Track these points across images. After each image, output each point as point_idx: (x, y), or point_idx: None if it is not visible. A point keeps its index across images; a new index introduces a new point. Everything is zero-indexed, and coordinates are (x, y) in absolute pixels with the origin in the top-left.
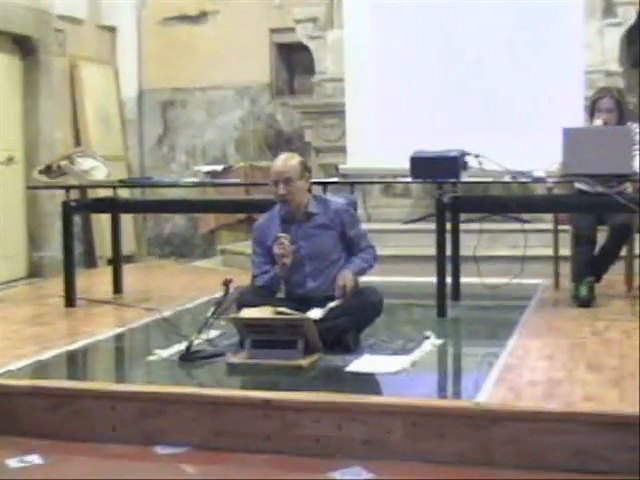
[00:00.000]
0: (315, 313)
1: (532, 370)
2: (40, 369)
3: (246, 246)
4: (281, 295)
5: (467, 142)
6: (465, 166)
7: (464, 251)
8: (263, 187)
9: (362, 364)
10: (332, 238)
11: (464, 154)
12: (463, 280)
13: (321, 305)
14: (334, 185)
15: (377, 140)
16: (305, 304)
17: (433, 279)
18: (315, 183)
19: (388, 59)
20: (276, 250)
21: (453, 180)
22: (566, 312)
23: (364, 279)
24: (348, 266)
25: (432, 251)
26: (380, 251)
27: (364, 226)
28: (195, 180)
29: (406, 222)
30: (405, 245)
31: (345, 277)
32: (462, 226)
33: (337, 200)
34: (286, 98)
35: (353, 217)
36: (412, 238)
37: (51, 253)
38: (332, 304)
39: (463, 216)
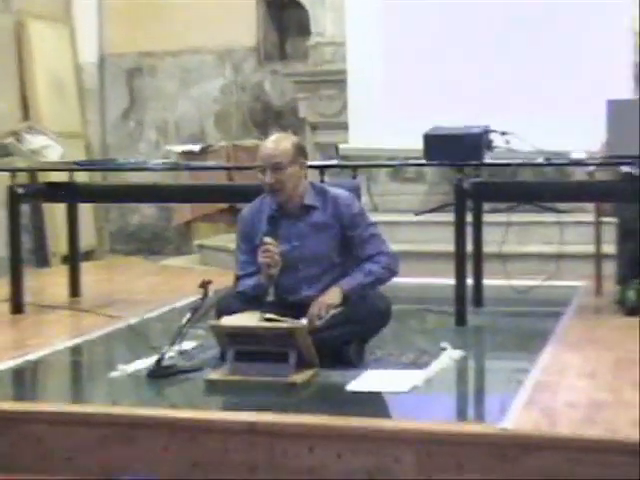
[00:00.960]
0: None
1: (569, 390)
2: None
3: (228, 241)
4: (270, 298)
5: (492, 117)
6: (490, 145)
7: (488, 247)
8: (249, 171)
9: (366, 381)
10: (332, 238)
11: (488, 131)
12: (487, 282)
13: None
14: (333, 169)
15: (385, 115)
16: (298, 311)
17: (451, 280)
18: (310, 167)
19: (398, 18)
20: (260, 259)
21: (475, 162)
22: (610, 321)
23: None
24: (341, 282)
25: (450, 247)
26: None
27: (372, 220)
28: (167, 162)
29: (419, 213)
30: (418, 240)
31: (321, 303)
32: (486, 217)
33: (338, 190)
34: (276, 65)
35: (355, 212)
36: (426, 232)
37: None
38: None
39: (487, 206)
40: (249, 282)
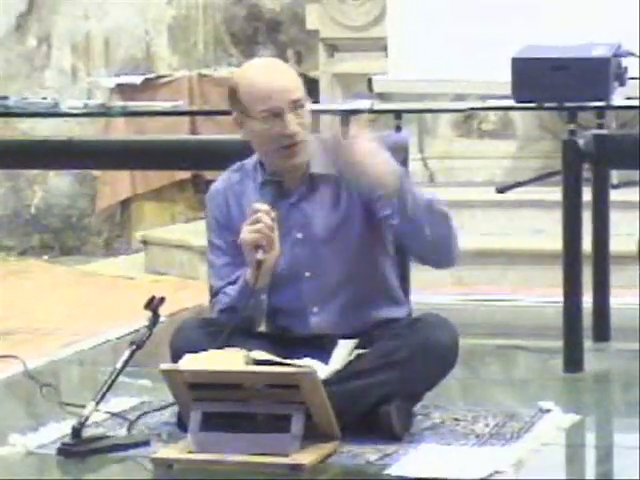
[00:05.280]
0: (324, 366)
1: None
2: None
3: (191, 232)
4: (262, 329)
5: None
6: (621, 77)
7: (618, 245)
8: (223, 118)
9: (417, 463)
10: (359, 226)
11: (620, 53)
12: (616, 301)
13: (330, 352)
14: (364, 115)
15: (447, 26)
16: (303, 349)
17: (557, 297)
18: (324, 112)
19: None
20: (246, 235)
21: (598, 104)
22: None
23: (417, 297)
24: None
25: (554, 244)
26: None
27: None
28: (90, 104)
29: (504, 188)
30: (501, 232)
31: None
32: (615, 195)
33: None
34: None
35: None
36: (515, 218)
37: None
38: (351, 346)
39: (616, 176)
40: (231, 291)
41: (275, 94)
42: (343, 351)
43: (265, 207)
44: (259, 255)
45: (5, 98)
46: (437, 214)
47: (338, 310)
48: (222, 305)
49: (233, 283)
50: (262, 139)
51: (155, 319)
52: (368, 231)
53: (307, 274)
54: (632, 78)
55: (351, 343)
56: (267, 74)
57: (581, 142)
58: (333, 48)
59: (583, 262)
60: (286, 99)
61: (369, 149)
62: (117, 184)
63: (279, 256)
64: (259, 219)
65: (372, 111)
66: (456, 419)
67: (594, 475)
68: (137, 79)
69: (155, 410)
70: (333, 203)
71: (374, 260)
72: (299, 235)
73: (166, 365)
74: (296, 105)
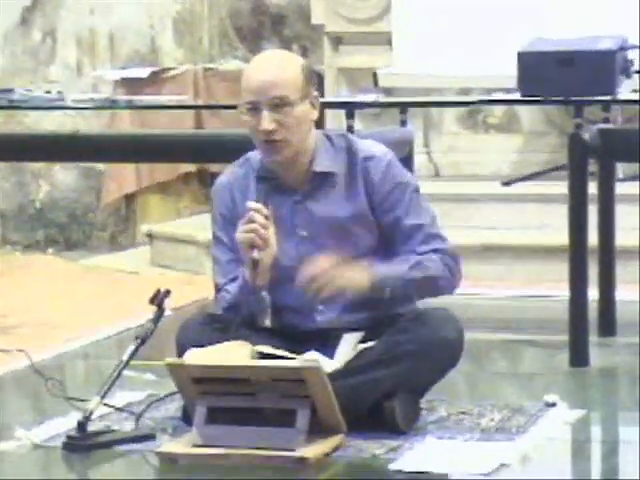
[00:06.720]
0: (330, 361)
1: None
2: None
3: (196, 227)
4: (267, 324)
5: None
6: (628, 70)
7: (624, 239)
8: (228, 112)
9: (422, 457)
10: (364, 227)
11: (626, 46)
12: (622, 296)
13: (335, 346)
14: (369, 109)
15: (453, 20)
16: (310, 344)
17: (562, 291)
18: (329, 105)
19: None
20: (239, 234)
21: (604, 98)
22: None
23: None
24: (374, 266)
25: (560, 237)
26: (458, 239)
27: (423, 199)
28: (96, 98)
29: (509, 182)
30: (507, 226)
31: (325, 275)
32: (621, 189)
33: (369, 144)
34: None
35: (395, 183)
36: (521, 212)
37: None
38: (356, 340)
39: (622, 170)
40: (234, 287)
41: (255, 88)
42: (348, 345)
43: (258, 205)
44: (255, 254)
45: (10, 91)
46: (422, 284)
47: (344, 307)
48: (225, 303)
49: (235, 280)
50: (249, 132)
51: (160, 313)
52: (374, 229)
53: None
54: (639, 71)
55: (356, 336)
56: (258, 67)
57: (587, 136)
58: (338, 42)
59: (589, 256)
60: (265, 95)
61: (330, 275)
62: (122, 178)
63: (283, 254)
64: (253, 218)
65: (377, 105)
66: (462, 413)
67: (600, 469)
68: (143, 72)
69: (159, 399)
70: (338, 201)
71: (381, 257)
72: (304, 233)
73: (171, 359)
74: (277, 102)
